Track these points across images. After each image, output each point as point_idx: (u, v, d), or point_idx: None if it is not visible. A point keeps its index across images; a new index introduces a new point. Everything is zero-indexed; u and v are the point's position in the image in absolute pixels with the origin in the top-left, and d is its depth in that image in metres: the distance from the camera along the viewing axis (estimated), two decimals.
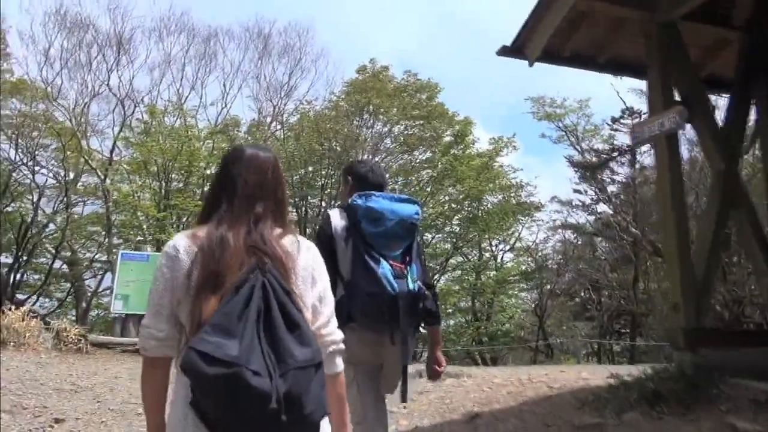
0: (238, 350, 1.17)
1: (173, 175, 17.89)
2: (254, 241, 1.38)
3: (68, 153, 18.52)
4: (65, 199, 18.45)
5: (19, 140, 18.21)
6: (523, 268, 22.44)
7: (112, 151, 18.42)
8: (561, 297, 23.59)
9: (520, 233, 22.43)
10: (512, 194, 21.27)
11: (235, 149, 1.59)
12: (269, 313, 1.25)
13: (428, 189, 19.52)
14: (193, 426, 1.25)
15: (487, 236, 20.53)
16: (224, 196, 1.45)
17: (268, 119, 18.69)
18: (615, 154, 21.84)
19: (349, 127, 16.91)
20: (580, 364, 13.60)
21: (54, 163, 18.73)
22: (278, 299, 1.27)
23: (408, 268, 2.22)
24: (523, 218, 21.96)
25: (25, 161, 18.31)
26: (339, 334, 1.49)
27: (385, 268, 2.16)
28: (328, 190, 17.93)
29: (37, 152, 18.51)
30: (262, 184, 1.48)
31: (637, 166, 21.74)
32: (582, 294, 24.13)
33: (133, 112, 18.46)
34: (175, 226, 17.61)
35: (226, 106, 19.19)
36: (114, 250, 16.42)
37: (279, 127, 18.71)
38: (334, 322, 1.49)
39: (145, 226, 17.62)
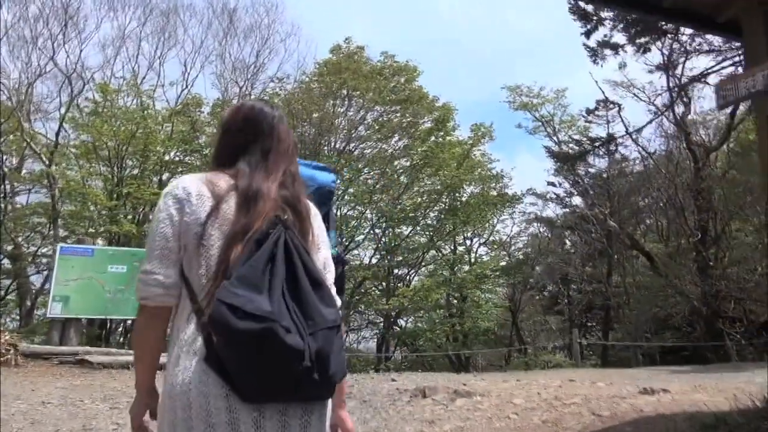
0: (269, 305, 1.13)
1: (127, 161, 16.20)
2: (289, 197, 1.36)
3: (9, 136, 16.74)
4: (3, 186, 16.52)
5: None
6: (503, 263, 21.57)
7: (58, 134, 16.62)
8: (530, 291, 23.17)
9: (495, 226, 21.73)
10: (492, 185, 20.41)
11: (265, 101, 1.58)
12: (294, 270, 1.21)
13: (404, 179, 18.38)
14: (214, 384, 1.17)
15: (466, 229, 19.52)
16: (257, 144, 1.40)
17: (234, 101, 17.10)
18: (597, 143, 21.20)
19: (324, 109, 15.55)
20: (578, 368, 12.65)
21: None
22: (300, 257, 1.24)
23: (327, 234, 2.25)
24: (502, 210, 21.18)
25: None
26: (339, 301, 1.39)
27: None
28: None
29: None
30: (291, 145, 1.47)
31: (615, 157, 21.37)
32: (550, 288, 23.83)
33: (81, 91, 16.70)
34: (129, 216, 16.00)
35: (187, 86, 17.61)
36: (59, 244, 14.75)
37: None
38: (334, 289, 1.40)
39: (95, 217, 15.89)
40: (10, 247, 18.00)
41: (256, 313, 1.12)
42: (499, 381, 7.64)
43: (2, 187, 16.86)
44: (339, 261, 2.05)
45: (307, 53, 20.44)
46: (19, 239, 18.02)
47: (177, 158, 16.95)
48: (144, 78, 17.49)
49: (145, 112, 15.85)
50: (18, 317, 17.75)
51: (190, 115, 16.47)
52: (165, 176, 17.18)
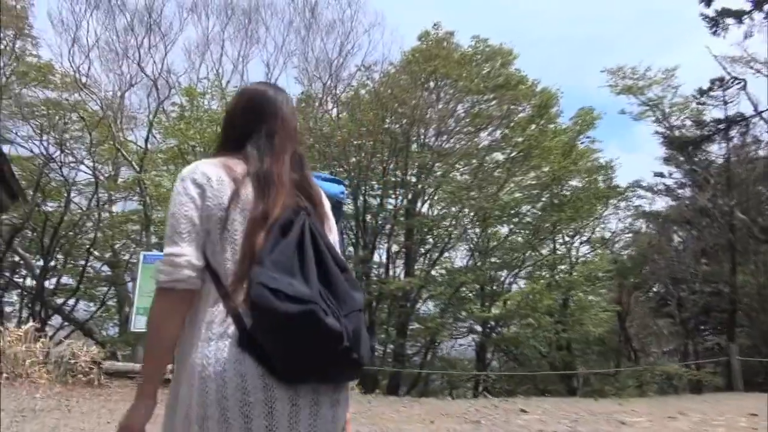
0: (308, 289, 1.15)
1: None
2: (300, 182, 1.36)
3: (104, 145, 16.96)
4: (96, 195, 16.69)
5: (51, 132, 16.70)
6: (613, 263, 19.27)
7: (146, 140, 16.52)
8: (635, 292, 20.74)
9: (600, 222, 19.50)
10: (599, 176, 18.29)
11: (268, 83, 1.59)
12: (321, 256, 1.22)
13: (499, 173, 16.68)
14: (250, 365, 1.17)
15: (568, 226, 17.54)
16: (262, 127, 1.39)
17: (319, 95, 16.26)
18: (722, 125, 18.46)
19: (416, 97, 14.27)
20: (738, 392, 10.50)
21: (85, 154, 17.00)
22: (325, 243, 1.26)
23: None
24: (610, 204, 18.99)
25: (55, 155, 16.64)
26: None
27: None
28: (390, 178, 15.46)
29: (68, 144, 16.91)
30: (295, 128, 1.46)
31: (736, 141, 18.63)
32: (656, 289, 21.33)
33: (168, 96, 16.54)
34: None
35: None
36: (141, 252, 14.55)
37: (331, 105, 16.24)
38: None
39: None
40: (108, 255, 18.31)
41: (297, 295, 1.13)
42: (660, 416, 6.02)
43: (96, 195, 17.05)
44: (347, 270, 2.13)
45: (392, 43, 19.16)
46: (117, 246, 18.26)
47: None
48: (229, 80, 17.13)
49: None
50: (118, 323, 17.97)
51: None
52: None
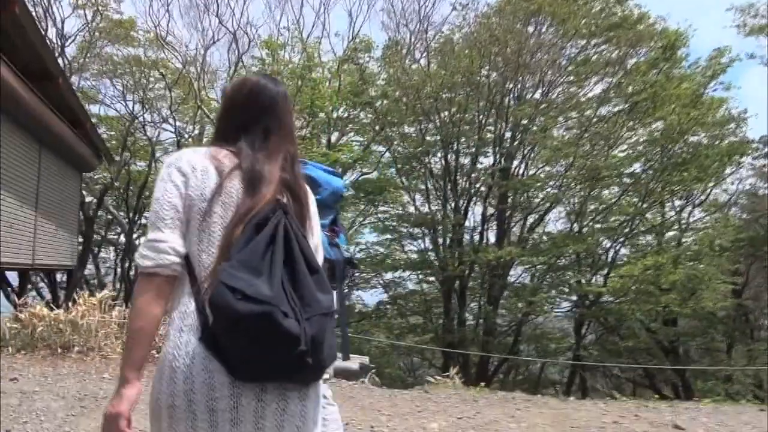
0: (270, 290, 1.14)
1: (296, 122, 14.89)
2: (289, 181, 1.34)
3: (187, 104, 16.60)
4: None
5: (137, 91, 16.50)
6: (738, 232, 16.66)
7: None
8: (755, 262, 17.92)
9: (721, 183, 16.78)
10: (728, 130, 15.67)
11: (266, 75, 1.50)
12: (292, 256, 1.21)
13: (607, 127, 14.51)
14: (201, 359, 1.19)
15: (700, 186, 15.20)
16: (259, 123, 1.37)
17: (407, 43, 14.72)
18: None
19: (517, 40, 12.47)
20: None
21: (168, 113, 16.67)
22: (299, 243, 1.24)
23: (338, 236, 2.33)
24: (740, 162, 16.32)
25: (139, 114, 16.45)
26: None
27: (322, 238, 1.96)
28: (485, 134, 13.87)
29: (152, 103, 16.67)
30: (292, 125, 1.46)
31: None
32: None
33: (248, 49, 15.70)
34: None
35: (353, 37, 15.72)
36: None
37: (420, 53, 14.68)
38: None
39: None
40: None
41: (256, 296, 1.12)
42: None
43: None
44: (351, 264, 2.33)
45: None
46: None
47: (346, 114, 15.31)
48: (310, 32, 16.05)
49: (310, 62, 14.22)
50: None
51: (358, 62, 14.50)
52: (334, 136, 15.70)
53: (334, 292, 1.44)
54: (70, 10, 15.27)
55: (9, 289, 10.89)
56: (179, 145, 16.71)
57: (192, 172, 1.28)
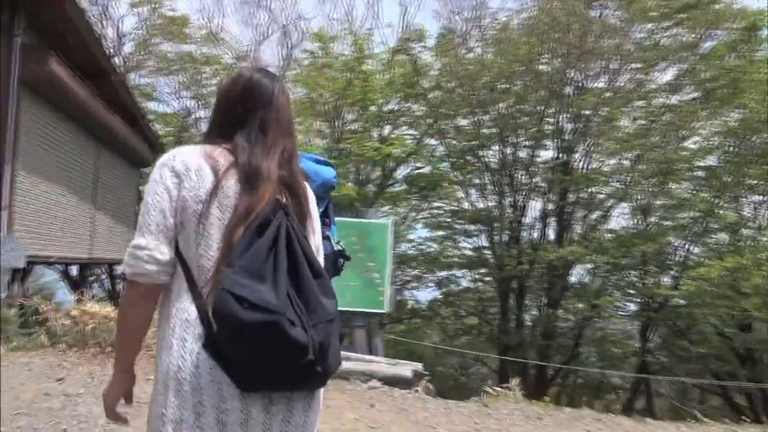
0: (276, 297, 1.10)
1: (346, 115, 14.63)
2: (287, 178, 1.29)
3: None
4: None
5: (192, 87, 16.69)
6: None
7: None
8: None
9: None
10: None
11: (262, 69, 1.44)
12: (295, 260, 1.17)
13: (673, 117, 13.42)
14: (207, 370, 1.15)
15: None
16: (256, 117, 1.31)
17: (461, 31, 14.13)
18: None
19: (581, 24, 11.67)
20: None
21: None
22: (302, 246, 1.20)
23: (329, 229, 2.28)
24: None
25: (193, 110, 16.62)
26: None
27: None
28: (545, 126, 13.12)
29: (206, 99, 16.81)
30: (290, 119, 1.39)
31: None
32: None
33: (299, 42, 15.56)
34: (352, 176, 14.53)
35: (405, 27, 15.26)
36: None
37: (476, 41, 14.04)
38: None
39: None
40: None
41: (262, 305, 1.08)
42: None
43: None
44: (343, 256, 2.24)
45: None
46: None
47: (398, 107, 14.90)
48: (362, 23, 15.78)
49: (361, 53, 13.86)
50: None
51: (410, 51, 14.03)
52: (386, 130, 15.33)
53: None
54: (127, 9, 15.57)
55: (70, 282, 11.15)
56: None
57: (186, 173, 1.23)
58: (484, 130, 14.00)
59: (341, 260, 2.36)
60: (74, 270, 10.86)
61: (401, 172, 15.64)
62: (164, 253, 1.20)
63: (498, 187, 13.84)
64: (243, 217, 1.19)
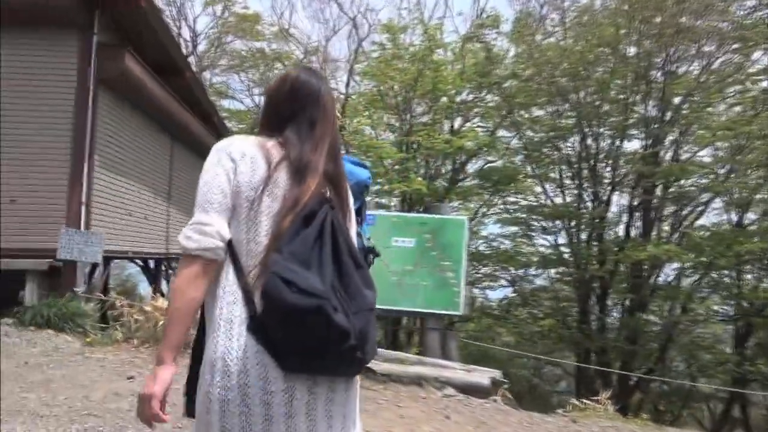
0: (321, 284, 1.15)
1: (416, 107, 14.20)
2: (332, 173, 1.35)
3: None
4: None
5: (262, 85, 16.83)
6: None
7: (347, 85, 15.63)
8: None
9: None
10: None
11: (308, 68, 1.52)
12: (338, 251, 1.23)
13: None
14: (254, 352, 1.19)
15: None
16: (304, 114, 1.37)
17: (539, 15, 13.31)
18: None
19: (674, 2, 10.63)
20: None
21: None
22: (345, 237, 1.26)
23: (361, 226, 2.17)
24: None
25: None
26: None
27: None
28: (631, 114, 12.11)
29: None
30: (335, 117, 1.45)
31: None
32: None
33: (367, 34, 15.30)
34: (421, 170, 14.11)
35: (479, 13, 14.61)
36: None
37: (558, 24, 13.14)
38: None
39: (387, 173, 14.44)
40: None
41: (309, 290, 1.13)
42: None
43: None
44: (373, 252, 2.13)
45: None
46: None
47: (470, 98, 14.30)
48: (432, 13, 15.28)
49: (431, 43, 13.36)
50: None
51: (484, 38, 13.39)
52: (457, 122, 14.79)
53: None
54: (201, 9, 15.88)
55: (149, 277, 11.44)
56: None
57: (241, 159, 1.28)
58: (563, 121, 13.16)
59: (371, 256, 2.34)
60: (152, 264, 11.14)
61: (472, 166, 15.07)
62: (227, 230, 1.24)
63: (578, 181, 12.96)
64: (291, 206, 1.23)
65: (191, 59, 15.34)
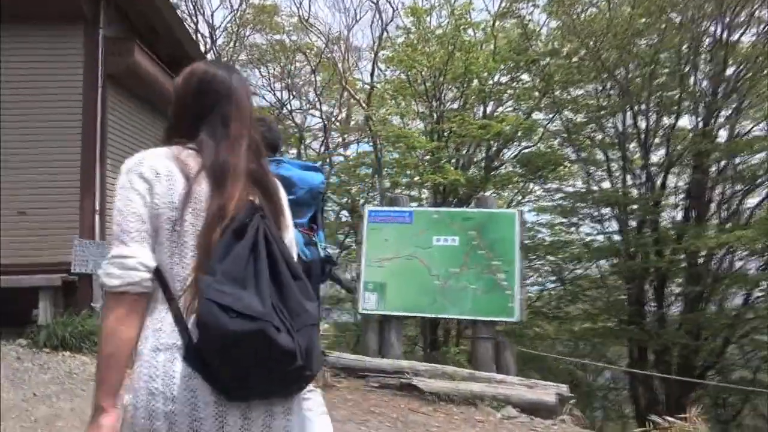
0: (261, 305, 1.09)
1: (446, 93, 13.36)
2: (257, 173, 1.27)
3: (332, 87, 16.03)
4: (326, 139, 15.84)
5: (285, 79, 16.27)
6: None
7: (372, 74, 14.89)
8: None
9: None
10: None
11: (216, 62, 1.48)
12: (275, 264, 1.16)
13: None
14: (182, 378, 1.13)
15: None
16: (216, 111, 1.28)
17: None
18: None
19: None
20: None
21: (313, 98, 16.20)
22: (280, 249, 1.19)
23: (316, 234, 2.31)
24: None
25: (286, 101, 16.17)
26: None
27: (297, 236, 1.99)
28: (686, 88, 11.04)
29: (298, 89, 16.32)
30: (251, 110, 1.35)
31: None
32: None
33: (391, 18, 14.52)
34: (457, 161, 13.30)
35: None
36: (370, 202, 13.14)
37: None
38: None
39: (417, 163, 13.67)
40: (344, 200, 17.73)
41: (248, 312, 1.06)
42: None
43: (326, 139, 16.27)
44: (330, 262, 2.25)
45: None
46: (353, 191, 17.52)
47: (504, 79, 13.39)
48: None
49: (461, 22, 12.48)
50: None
51: (519, 12, 12.43)
52: (490, 106, 13.89)
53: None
54: (218, 2, 15.34)
55: None
56: (326, 130, 16.20)
57: (156, 178, 1.19)
58: (608, 99, 12.15)
59: (328, 266, 2.33)
60: None
61: (507, 153, 14.16)
62: (151, 259, 1.17)
63: (627, 163, 11.96)
64: (216, 218, 1.17)
65: (210, 55, 14.81)
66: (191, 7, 14.52)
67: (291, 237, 1.33)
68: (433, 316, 5.87)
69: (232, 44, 15.36)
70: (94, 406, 1.15)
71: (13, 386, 4.85)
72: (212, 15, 15.48)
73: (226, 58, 15.22)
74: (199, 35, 14.73)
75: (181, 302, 1.15)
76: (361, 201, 17.00)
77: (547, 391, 5.17)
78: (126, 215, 1.17)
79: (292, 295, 1.14)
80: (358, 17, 15.38)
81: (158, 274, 1.18)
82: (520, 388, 5.22)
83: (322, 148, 16.53)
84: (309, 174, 2.17)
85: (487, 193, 11.75)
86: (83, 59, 6.55)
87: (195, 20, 14.52)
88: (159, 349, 1.14)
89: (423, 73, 12.67)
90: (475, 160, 14.24)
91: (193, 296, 1.13)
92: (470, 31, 13.10)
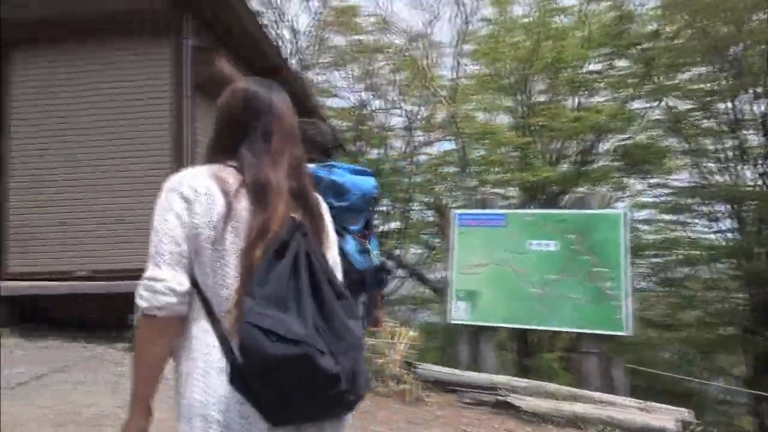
0: (303, 327, 1.07)
1: (534, 85, 12.64)
2: (299, 190, 1.24)
3: (415, 85, 15.74)
4: (411, 137, 15.56)
5: (367, 80, 16.19)
6: None
7: (456, 69, 14.43)
8: None
9: None
10: None
11: (257, 79, 1.39)
12: (317, 284, 1.13)
13: None
14: (236, 405, 1.12)
15: None
16: (257, 126, 1.28)
17: None
18: None
19: None
20: None
21: (396, 97, 15.97)
22: (322, 267, 1.17)
23: (368, 241, 2.26)
24: None
25: (367, 102, 16.07)
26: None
27: (350, 244, 2.15)
28: None
29: (380, 89, 16.16)
30: (294, 125, 1.34)
31: None
32: None
33: (475, 11, 13.98)
34: (543, 156, 12.55)
35: None
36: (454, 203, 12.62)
37: None
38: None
39: (505, 160, 13.05)
40: (427, 199, 17.39)
41: (290, 336, 1.04)
42: None
43: (410, 137, 16.00)
44: (384, 270, 2.14)
45: None
46: (438, 189, 17.15)
47: (599, 66, 12.44)
48: None
49: (552, 7, 11.73)
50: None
51: None
52: (582, 97, 12.99)
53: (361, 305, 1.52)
54: (299, 6, 15.50)
55: None
56: (410, 130, 15.93)
57: (195, 197, 1.19)
58: (720, 82, 10.92)
59: (383, 274, 2.24)
60: None
61: (604, 146, 13.16)
62: (182, 283, 1.17)
63: (745, 153, 10.70)
64: (258, 237, 1.15)
65: (294, 60, 15.01)
66: (273, 13, 14.79)
67: (335, 254, 1.30)
68: (530, 327, 5.39)
69: (314, 48, 15.48)
70: (129, 410, 1.20)
71: (112, 393, 4.94)
72: (294, 20, 15.69)
73: (310, 62, 15.37)
74: (282, 41, 14.97)
75: (226, 324, 1.15)
76: (446, 201, 16.59)
77: (665, 417, 4.55)
78: (161, 236, 1.16)
79: (335, 314, 1.11)
80: (438, 13, 15.02)
81: (201, 294, 1.17)
82: (633, 411, 4.64)
83: (406, 147, 16.30)
84: (361, 179, 2.11)
85: (581, 189, 10.94)
86: (171, 69, 6.70)
87: (277, 26, 14.77)
88: (209, 373, 1.14)
89: (508, 65, 12.06)
90: (566, 155, 13.40)
91: (236, 318, 1.11)
92: (559, 17, 12.30)
